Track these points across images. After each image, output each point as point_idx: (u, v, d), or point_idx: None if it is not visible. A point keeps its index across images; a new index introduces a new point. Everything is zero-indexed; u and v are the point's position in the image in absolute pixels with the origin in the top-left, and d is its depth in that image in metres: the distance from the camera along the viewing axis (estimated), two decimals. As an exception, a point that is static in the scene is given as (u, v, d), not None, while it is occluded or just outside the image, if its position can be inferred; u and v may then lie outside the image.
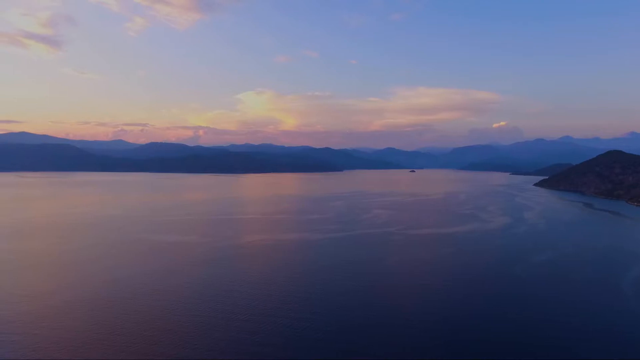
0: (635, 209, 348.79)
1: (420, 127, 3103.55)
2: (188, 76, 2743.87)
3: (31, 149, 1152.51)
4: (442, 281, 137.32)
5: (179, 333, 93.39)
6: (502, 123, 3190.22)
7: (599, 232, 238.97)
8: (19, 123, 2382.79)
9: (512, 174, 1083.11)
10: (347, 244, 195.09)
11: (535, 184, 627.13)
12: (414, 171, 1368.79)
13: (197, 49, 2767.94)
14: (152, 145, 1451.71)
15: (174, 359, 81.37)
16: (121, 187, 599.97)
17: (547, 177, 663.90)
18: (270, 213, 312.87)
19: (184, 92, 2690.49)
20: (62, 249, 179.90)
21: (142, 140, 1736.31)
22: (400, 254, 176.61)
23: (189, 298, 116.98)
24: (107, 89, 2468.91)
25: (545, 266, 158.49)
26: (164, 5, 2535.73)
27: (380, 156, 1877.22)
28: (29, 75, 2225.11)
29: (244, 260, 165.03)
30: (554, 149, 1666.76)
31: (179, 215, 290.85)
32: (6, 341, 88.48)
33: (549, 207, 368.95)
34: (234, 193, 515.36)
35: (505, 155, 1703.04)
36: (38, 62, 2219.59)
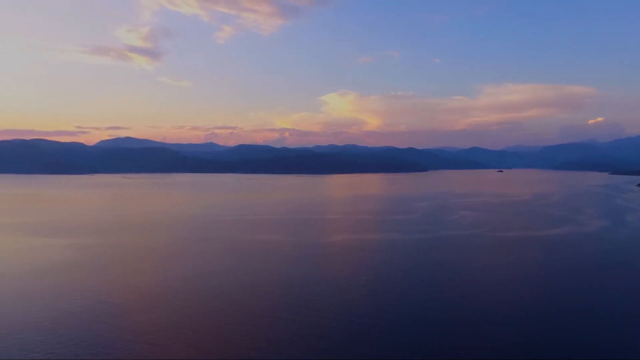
0: None
1: (508, 125, 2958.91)
2: (274, 80, 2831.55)
3: (134, 153, 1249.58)
4: (530, 290, 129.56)
5: (252, 332, 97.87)
6: (600, 119, 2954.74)
7: None
8: (124, 129, 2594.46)
9: (611, 173, 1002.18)
10: (432, 245, 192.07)
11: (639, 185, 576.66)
12: (501, 171, 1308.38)
13: (282, 53, 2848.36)
14: (241, 147, 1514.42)
15: (246, 358, 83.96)
16: (212, 187, 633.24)
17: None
18: (353, 213, 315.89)
19: (270, 96, 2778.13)
20: (154, 245, 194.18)
21: (232, 143, 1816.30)
22: (487, 256, 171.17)
23: (265, 296, 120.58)
24: (199, 94, 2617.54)
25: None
26: (251, 13, 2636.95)
27: (466, 156, 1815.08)
28: (132, 85, 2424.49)
29: (326, 259, 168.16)
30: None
31: (265, 215, 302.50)
32: (96, 331, 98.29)
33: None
34: (318, 193, 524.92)
35: (603, 153, 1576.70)
36: (140, 72, 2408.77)
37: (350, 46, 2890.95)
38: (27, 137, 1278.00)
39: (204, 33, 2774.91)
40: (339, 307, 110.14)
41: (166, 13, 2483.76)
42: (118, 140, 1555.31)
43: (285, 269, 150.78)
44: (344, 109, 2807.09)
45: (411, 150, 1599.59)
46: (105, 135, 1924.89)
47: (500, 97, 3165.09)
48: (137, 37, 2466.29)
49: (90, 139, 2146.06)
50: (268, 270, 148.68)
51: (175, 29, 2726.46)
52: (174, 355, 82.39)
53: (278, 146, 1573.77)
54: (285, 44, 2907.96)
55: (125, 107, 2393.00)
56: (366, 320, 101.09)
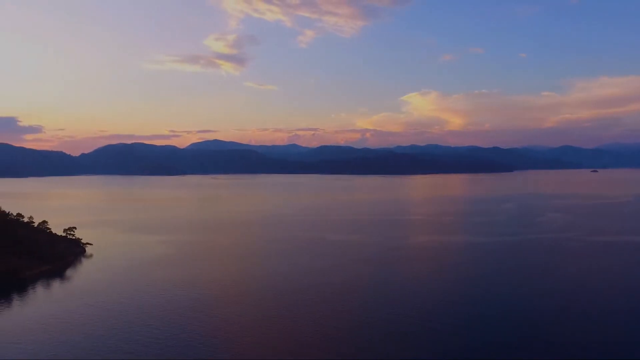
0: None
1: (603, 122, 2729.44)
2: (355, 81, 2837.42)
3: (221, 155, 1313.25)
4: (629, 298, 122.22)
5: (330, 330, 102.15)
6: None
7: None
8: (213, 132, 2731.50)
9: None
10: (517, 249, 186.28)
11: None
12: (596, 171, 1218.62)
13: (362, 54, 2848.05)
14: (323, 149, 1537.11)
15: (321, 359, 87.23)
16: (294, 187, 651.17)
17: None
18: (435, 214, 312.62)
19: (352, 97, 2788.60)
20: (240, 243, 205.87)
21: (314, 144, 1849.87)
22: (578, 263, 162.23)
23: (346, 297, 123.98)
24: (282, 98, 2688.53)
25: None
26: (332, 16, 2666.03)
27: (556, 155, 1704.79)
28: (219, 90, 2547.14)
29: (407, 261, 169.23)
30: None
31: (346, 215, 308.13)
32: (181, 322, 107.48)
33: None
34: (399, 194, 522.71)
35: None
36: (227, 78, 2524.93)
37: (431, 44, 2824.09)
38: (128, 142, 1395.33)
39: (287, 38, 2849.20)
40: (416, 312, 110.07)
41: (251, 20, 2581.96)
42: (207, 143, 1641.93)
43: (366, 270, 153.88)
44: (426, 109, 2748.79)
45: (496, 149, 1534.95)
46: (196, 139, 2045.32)
47: (594, 92, 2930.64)
48: (224, 45, 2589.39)
49: (182, 142, 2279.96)
50: (349, 271, 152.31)
51: (259, 35, 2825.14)
52: (251, 353, 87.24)
53: (359, 147, 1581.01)
54: (366, 45, 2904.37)
55: (213, 111, 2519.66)
56: (444, 328, 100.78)
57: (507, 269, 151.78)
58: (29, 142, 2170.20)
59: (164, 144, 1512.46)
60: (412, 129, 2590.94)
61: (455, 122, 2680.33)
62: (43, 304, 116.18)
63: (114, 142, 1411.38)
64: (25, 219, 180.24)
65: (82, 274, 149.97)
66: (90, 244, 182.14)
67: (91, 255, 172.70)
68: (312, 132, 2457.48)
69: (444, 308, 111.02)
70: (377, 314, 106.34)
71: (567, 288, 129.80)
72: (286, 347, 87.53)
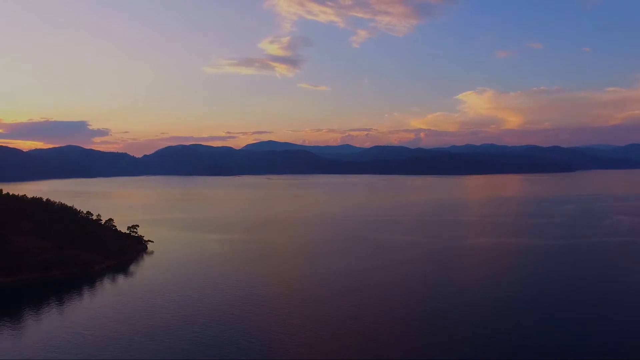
0: None
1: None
2: (408, 81, 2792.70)
3: (276, 155, 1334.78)
4: None
5: (384, 330, 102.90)
6: None
7: None
8: (267, 133, 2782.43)
9: None
10: (578, 253, 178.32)
11: None
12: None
13: (416, 53, 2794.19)
14: (376, 149, 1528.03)
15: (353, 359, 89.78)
16: (348, 188, 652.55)
17: None
18: (491, 215, 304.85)
19: (405, 97, 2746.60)
20: (295, 242, 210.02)
21: (367, 144, 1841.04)
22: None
23: (400, 297, 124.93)
24: (336, 98, 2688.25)
25: None
26: (385, 15, 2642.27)
27: (623, 154, 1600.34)
28: (274, 92, 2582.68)
29: (460, 262, 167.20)
30: None
31: (400, 216, 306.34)
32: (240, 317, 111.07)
33: None
34: (454, 195, 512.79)
35: None
36: (281, 80, 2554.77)
37: (487, 41, 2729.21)
38: (187, 143, 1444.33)
39: (340, 38, 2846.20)
40: (469, 316, 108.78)
41: (304, 22, 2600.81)
42: (262, 144, 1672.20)
43: (420, 271, 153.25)
44: (482, 107, 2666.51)
45: (556, 148, 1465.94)
46: (251, 140, 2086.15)
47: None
48: (278, 47, 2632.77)
49: (238, 143, 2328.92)
50: (402, 271, 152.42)
51: (312, 37, 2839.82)
52: (306, 354, 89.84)
53: (413, 147, 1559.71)
54: (420, 44, 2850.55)
55: (268, 112, 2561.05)
56: (497, 335, 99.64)
57: (568, 275, 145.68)
58: (97, 144, 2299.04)
59: (220, 145, 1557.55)
60: (467, 128, 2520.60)
61: (512, 120, 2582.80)
62: (110, 297, 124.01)
63: (174, 143, 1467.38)
64: (94, 217, 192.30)
65: (144, 269, 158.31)
66: (152, 241, 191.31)
67: (152, 252, 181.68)
68: (366, 133, 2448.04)
69: (498, 315, 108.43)
70: (429, 316, 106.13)
71: (634, 297, 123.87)
72: (340, 347, 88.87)
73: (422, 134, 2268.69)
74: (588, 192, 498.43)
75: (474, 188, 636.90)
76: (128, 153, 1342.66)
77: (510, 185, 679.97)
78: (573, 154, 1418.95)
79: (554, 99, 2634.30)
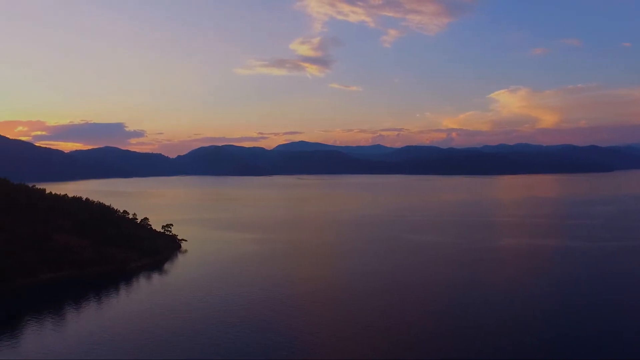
0: None
1: None
2: (440, 80, 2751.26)
3: (307, 156, 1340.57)
4: None
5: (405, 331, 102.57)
6: None
7: None
8: (298, 133, 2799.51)
9: None
10: (617, 256, 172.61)
11: None
12: None
13: (447, 52, 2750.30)
14: (407, 149, 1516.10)
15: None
16: (379, 188, 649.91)
17: None
18: (525, 216, 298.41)
19: (437, 96, 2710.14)
20: (325, 242, 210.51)
21: (398, 144, 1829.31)
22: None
23: (427, 298, 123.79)
24: (367, 98, 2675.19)
25: None
26: (416, 14, 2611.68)
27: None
28: (305, 92, 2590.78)
29: (493, 265, 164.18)
30: None
31: (431, 216, 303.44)
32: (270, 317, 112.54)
33: None
34: (487, 195, 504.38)
35: None
36: (312, 80, 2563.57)
37: (521, 38, 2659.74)
38: (220, 144, 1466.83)
39: (370, 38, 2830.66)
40: (499, 321, 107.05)
41: (335, 23, 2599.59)
42: (293, 144, 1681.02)
43: (449, 272, 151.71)
44: (515, 106, 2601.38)
45: (593, 148, 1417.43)
46: (282, 140, 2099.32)
47: None
48: (309, 48, 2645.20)
49: (270, 143, 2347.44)
50: (431, 272, 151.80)
51: (343, 37, 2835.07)
52: (339, 354, 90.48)
53: (445, 147, 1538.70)
54: (452, 42, 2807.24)
55: (299, 113, 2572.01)
56: (530, 340, 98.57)
57: (606, 277, 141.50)
58: (133, 145, 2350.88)
59: (252, 146, 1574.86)
60: (500, 127, 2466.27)
61: (547, 119, 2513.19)
62: (145, 295, 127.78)
63: (207, 144, 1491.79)
64: (130, 216, 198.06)
65: (178, 268, 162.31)
66: (185, 240, 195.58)
67: (186, 251, 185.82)
68: (397, 133, 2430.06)
69: (529, 319, 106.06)
70: (459, 316, 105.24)
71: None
72: (374, 347, 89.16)
73: (454, 134, 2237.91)
74: (628, 193, 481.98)
75: (508, 188, 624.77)
76: (162, 154, 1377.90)
77: (546, 186, 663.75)
78: (611, 153, 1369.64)
79: (591, 97, 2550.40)
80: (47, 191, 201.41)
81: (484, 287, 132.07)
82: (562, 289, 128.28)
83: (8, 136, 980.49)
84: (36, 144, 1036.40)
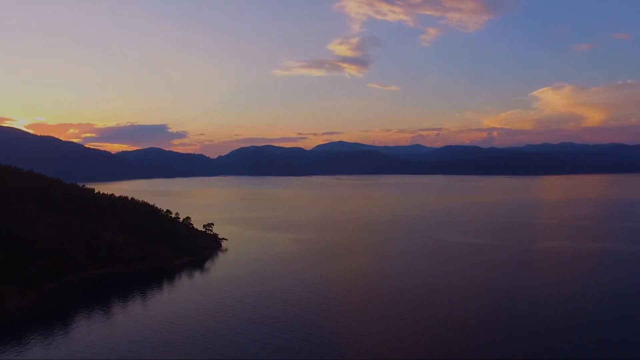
0: None
1: None
2: (480, 78, 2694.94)
3: (346, 156, 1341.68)
4: None
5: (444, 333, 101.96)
6: None
7: None
8: (337, 134, 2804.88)
9: None
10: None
11: None
12: None
13: (488, 49, 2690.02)
14: (447, 149, 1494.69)
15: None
16: (418, 189, 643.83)
17: None
18: (570, 218, 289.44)
19: (477, 95, 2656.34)
20: (364, 242, 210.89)
21: (438, 144, 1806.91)
22: None
23: (464, 301, 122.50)
24: (405, 98, 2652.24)
25: None
26: (455, 12, 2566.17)
27: None
28: (344, 93, 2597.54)
29: (534, 268, 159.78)
30: None
31: (471, 217, 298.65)
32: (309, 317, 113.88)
33: None
34: (530, 196, 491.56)
35: None
36: (351, 81, 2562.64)
37: (565, 34, 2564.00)
38: (260, 144, 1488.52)
39: (409, 37, 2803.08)
40: (537, 326, 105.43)
41: (373, 22, 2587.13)
42: (332, 144, 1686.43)
43: (488, 275, 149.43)
44: (559, 104, 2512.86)
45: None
46: (321, 140, 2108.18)
47: None
48: (347, 48, 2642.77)
49: (308, 144, 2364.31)
50: (471, 274, 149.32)
51: (381, 37, 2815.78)
52: (377, 354, 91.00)
53: (486, 146, 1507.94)
54: (492, 40, 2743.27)
55: (338, 113, 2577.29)
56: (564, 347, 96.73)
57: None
58: (176, 146, 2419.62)
59: (291, 146, 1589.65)
60: (543, 126, 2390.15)
61: (594, 117, 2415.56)
62: (188, 292, 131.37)
63: (247, 145, 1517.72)
64: (173, 215, 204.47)
65: (219, 266, 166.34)
66: (226, 239, 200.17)
67: (226, 250, 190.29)
68: (436, 132, 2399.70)
69: (570, 323, 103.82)
70: (498, 319, 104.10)
71: None
72: (412, 348, 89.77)
73: (495, 133, 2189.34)
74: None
75: (552, 189, 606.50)
76: (204, 154, 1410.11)
77: (593, 187, 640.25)
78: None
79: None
80: (96, 191, 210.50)
81: (526, 291, 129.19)
82: (605, 295, 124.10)
83: (61, 138, 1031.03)
84: (86, 146, 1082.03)
